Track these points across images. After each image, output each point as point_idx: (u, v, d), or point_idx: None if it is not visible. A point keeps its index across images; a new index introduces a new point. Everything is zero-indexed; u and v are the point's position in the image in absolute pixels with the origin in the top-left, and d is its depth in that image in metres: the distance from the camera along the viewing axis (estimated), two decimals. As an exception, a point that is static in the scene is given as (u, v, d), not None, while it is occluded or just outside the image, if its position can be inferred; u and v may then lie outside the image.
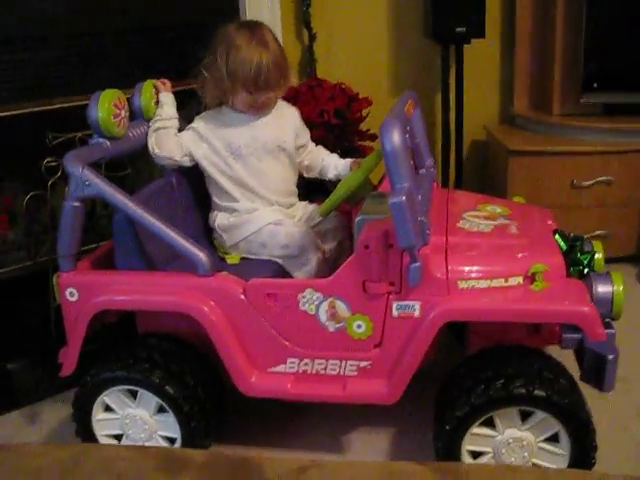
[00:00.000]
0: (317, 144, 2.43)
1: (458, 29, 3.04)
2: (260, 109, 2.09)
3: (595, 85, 3.07)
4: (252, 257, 2.10)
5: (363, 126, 2.92)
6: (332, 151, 2.48)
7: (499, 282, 1.70)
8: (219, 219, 2.13)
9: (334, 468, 1.42)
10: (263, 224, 2.06)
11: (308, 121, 2.69)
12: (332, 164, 2.27)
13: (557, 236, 1.90)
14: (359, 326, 1.76)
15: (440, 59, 3.25)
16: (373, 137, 2.90)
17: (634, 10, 3.05)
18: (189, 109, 2.79)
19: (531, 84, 3.34)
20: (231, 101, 2.08)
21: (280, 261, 2.07)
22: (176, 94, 2.33)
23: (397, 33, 3.39)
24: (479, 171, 3.54)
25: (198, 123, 2.11)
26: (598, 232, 2.99)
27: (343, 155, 2.39)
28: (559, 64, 3.18)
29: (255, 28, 2.05)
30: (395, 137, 1.55)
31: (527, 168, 2.99)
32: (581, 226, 2.94)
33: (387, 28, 3.38)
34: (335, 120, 2.76)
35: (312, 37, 3.24)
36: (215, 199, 2.15)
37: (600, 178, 2.95)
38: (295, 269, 2.05)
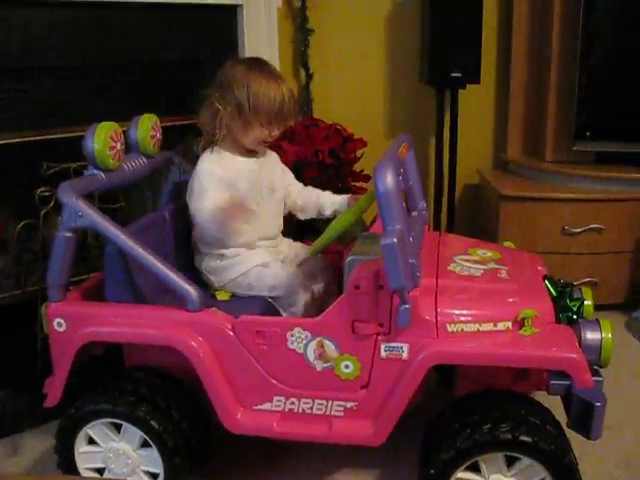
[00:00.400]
0: (311, 184, 2.44)
1: (453, 74, 3.07)
2: (266, 144, 2.10)
3: (587, 134, 3.11)
4: (246, 295, 2.10)
5: (357, 167, 2.94)
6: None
7: (488, 326, 1.70)
8: (205, 262, 2.11)
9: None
10: (250, 266, 2.06)
11: (303, 160, 2.72)
12: (329, 201, 2.27)
13: (547, 282, 1.90)
14: (347, 366, 1.76)
15: (435, 103, 3.29)
16: (366, 178, 2.92)
17: (627, 61, 3.10)
18: (185, 144, 2.81)
19: (524, 130, 3.39)
20: (239, 138, 2.06)
21: (278, 300, 2.07)
22: (173, 129, 2.35)
23: (393, 76, 3.43)
24: (471, 215, 3.56)
25: (216, 168, 2.04)
26: (588, 279, 3.00)
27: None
28: (552, 112, 3.22)
29: (266, 63, 2.08)
30: (388, 179, 1.56)
31: (519, 213, 3.02)
32: (571, 273, 2.96)
33: (383, 70, 3.43)
34: (329, 160, 2.78)
35: (309, 77, 3.28)
36: (201, 244, 2.13)
37: (591, 226, 2.97)
38: (283, 309, 2.05)
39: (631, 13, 3.07)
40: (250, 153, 2.11)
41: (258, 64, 2.07)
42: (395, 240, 1.54)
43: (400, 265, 1.55)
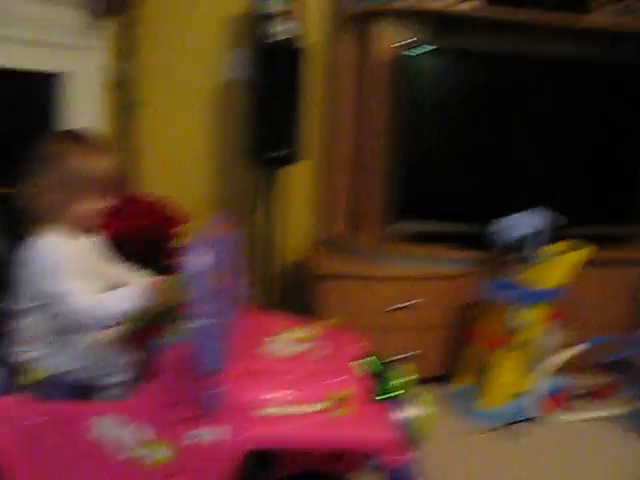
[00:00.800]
0: (133, 260, 2.37)
1: (275, 152, 3.12)
2: (92, 221, 2.03)
3: (406, 214, 3.23)
4: (58, 380, 1.99)
5: (179, 244, 2.90)
6: (149, 267, 2.44)
7: (302, 408, 1.69)
8: (27, 350, 1.98)
9: None
10: (76, 351, 1.95)
11: (125, 236, 2.64)
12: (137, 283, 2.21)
13: (366, 360, 1.92)
14: (157, 452, 1.69)
15: (258, 181, 3.31)
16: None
17: (443, 145, 3.29)
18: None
19: (347, 209, 3.47)
20: (62, 214, 1.96)
21: (90, 383, 1.97)
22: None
23: (218, 152, 3.45)
24: (297, 293, 3.57)
25: (61, 251, 1.93)
26: (409, 354, 3.08)
27: (159, 272, 2.34)
28: (374, 191, 3.33)
29: (87, 134, 2.01)
30: (198, 260, 1.54)
31: (341, 291, 3.06)
32: (392, 348, 3.02)
33: (209, 147, 3.44)
34: (151, 236, 2.72)
35: (133, 151, 3.23)
36: (22, 328, 1.98)
37: (410, 302, 3.06)
38: (96, 392, 1.96)
39: (449, 98, 3.27)
40: (77, 231, 2.02)
41: (79, 136, 2.00)
42: (205, 322, 1.51)
43: (210, 348, 1.53)
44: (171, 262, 2.85)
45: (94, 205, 1.98)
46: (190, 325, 1.54)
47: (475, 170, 3.35)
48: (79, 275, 1.94)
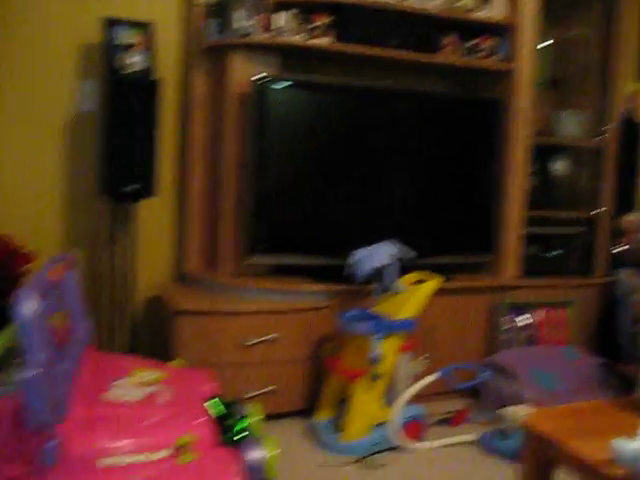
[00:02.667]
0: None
1: (129, 187, 3.04)
2: None
3: (263, 246, 3.22)
4: None
5: (24, 283, 2.77)
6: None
7: (145, 457, 1.63)
8: None
9: None
10: None
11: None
12: None
13: (213, 401, 1.88)
14: (-9, 515, 1.59)
15: (110, 216, 3.22)
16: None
17: (299, 178, 3.30)
18: None
19: (202, 243, 3.42)
20: None
21: None
22: None
23: (70, 187, 3.33)
24: (152, 331, 3.47)
25: None
26: (266, 389, 3.04)
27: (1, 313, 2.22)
28: (228, 225, 3.29)
29: None
30: (26, 308, 1.46)
31: (196, 328, 3.00)
32: (249, 384, 3.00)
33: (61, 181, 3.31)
34: (-4, 274, 2.60)
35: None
36: None
37: (267, 336, 3.04)
38: None
39: (302, 131, 3.29)
40: None
41: None
42: (35, 372, 1.43)
43: (41, 399, 1.45)
44: (11, 304, 2.73)
45: None
46: (19, 376, 1.45)
47: (329, 203, 3.37)
48: None
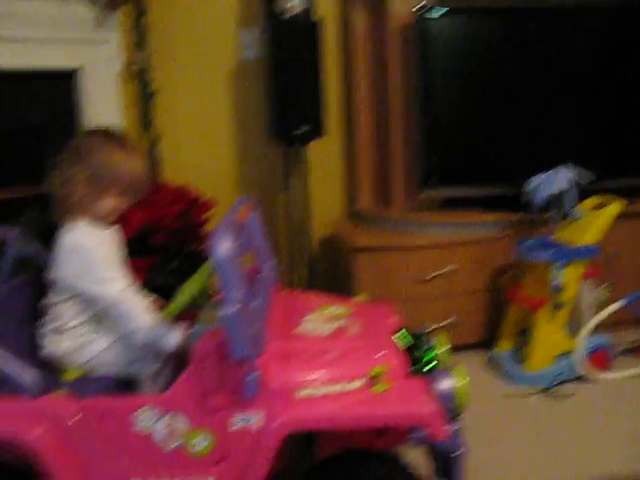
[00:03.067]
0: (159, 250, 2.36)
1: (299, 129, 3.08)
2: (116, 217, 2.03)
3: (433, 180, 3.19)
4: (95, 374, 1.99)
5: (206, 230, 2.88)
6: (175, 257, 2.43)
7: (339, 387, 1.66)
8: (64, 343, 1.98)
9: None
10: (114, 339, 1.96)
11: (149, 227, 2.64)
12: None
13: (401, 333, 1.90)
14: (199, 442, 1.68)
15: (283, 159, 3.29)
16: (215, 241, 2.86)
17: (468, 107, 3.23)
18: (25, 218, 2.69)
19: (373, 180, 3.43)
20: (92, 209, 1.96)
21: (129, 373, 1.98)
22: (9, 202, 2.23)
23: (241, 134, 3.43)
24: (329, 269, 3.55)
25: (98, 241, 1.95)
26: (446, 322, 3.05)
27: (187, 260, 2.34)
28: (398, 160, 3.28)
29: (120, 135, 2.02)
30: (223, 247, 1.52)
31: (372, 264, 3.04)
32: (429, 318, 3.00)
33: (231, 129, 3.42)
34: (177, 224, 2.71)
35: (155, 139, 3.21)
36: (62, 321, 1.98)
37: (444, 269, 3.03)
38: (146, 384, 1.96)
39: (468, 60, 3.20)
40: (102, 223, 2.02)
41: (115, 135, 2.01)
42: (235, 309, 1.50)
43: (242, 334, 1.51)
44: (197, 250, 2.86)
45: (119, 204, 1.98)
46: (220, 312, 1.52)
47: (500, 130, 3.28)
48: (113, 265, 1.95)
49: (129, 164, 1.96)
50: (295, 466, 1.92)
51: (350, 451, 1.77)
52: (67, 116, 2.96)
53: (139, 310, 1.89)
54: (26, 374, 1.69)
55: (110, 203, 1.97)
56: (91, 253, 1.91)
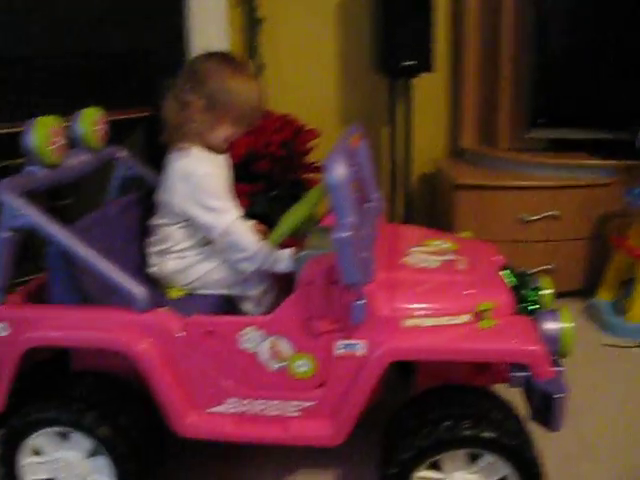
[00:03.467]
0: (262, 177, 2.36)
1: (406, 62, 3.02)
2: (228, 144, 2.03)
3: (542, 121, 3.09)
4: (200, 293, 2.03)
5: (309, 159, 2.88)
6: (278, 184, 2.43)
7: (446, 320, 1.65)
8: (170, 264, 2.02)
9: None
10: (222, 259, 1.99)
11: (253, 153, 2.65)
12: None
13: (505, 272, 1.87)
14: (302, 365, 1.70)
15: (388, 92, 3.23)
16: (319, 170, 2.86)
17: (580, 47, 3.09)
18: (134, 138, 2.73)
19: (478, 118, 3.35)
20: (206, 135, 1.96)
21: (234, 294, 2.01)
22: (121, 122, 2.26)
23: (346, 65, 3.38)
24: (427, 206, 3.53)
25: (212, 169, 1.96)
26: (545, 267, 2.98)
27: (290, 188, 2.34)
28: (506, 99, 3.19)
29: (238, 60, 1.99)
30: (338, 171, 1.50)
31: (474, 203, 2.99)
32: (528, 261, 2.94)
33: (336, 60, 3.38)
34: (281, 152, 2.71)
35: (260, 67, 3.20)
36: (168, 244, 2.03)
37: (547, 213, 2.96)
38: (251, 303, 1.99)
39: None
40: (215, 150, 2.03)
41: (233, 60, 1.98)
42: (348, 234, 1.49)
43: (353, 259, 1.50)
44: (300, 178, 2.86)
45: (234, 132, 1.98)
46: (333, 237, 1.52)
47: (615, 72, 3.13)
48: (225, 194, 1.96)
49: (247, 91, 1.93)
50: (390, 398, 1.92)
51: (449, 385, 1.76)
52: (176, 39, 2.96)
53: (248, 240, 1.90)
54: (136, 288, 1.73)
55: (225, 131, 1.97)
56: (203, 181, 1.92)
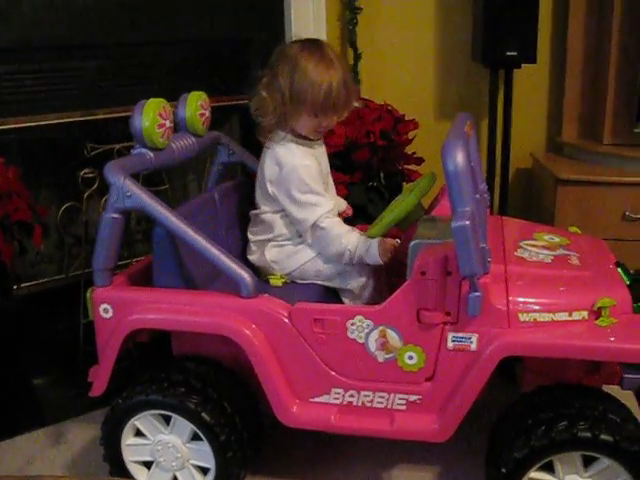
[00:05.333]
0: (362, 166, 2.32)
1: (509, 53, 2.94)
2: (321, 133, 2.00)
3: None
4: (301, 282, 2.00)
5: (408, 149, 2.82)
6: (377, 174, 2.39)
7: (563, 316, 1.58)
8: (270, 252, 2.01)
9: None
10: (318, 252, 1.96)
11: (353, 142, 2.61)
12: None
13: (619, 269, 1.79)
14: (411, 357, 1.65)
15: (488, 83, 3.15)
16: (419, 161, 2.80)
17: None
18: (230, 126, 2.72)
19: (581, 112, 3.24)
20: (291, 125, 1.94)
21: (333, 286, 1.99)
22: (219, 109, 2.25)
23: (445, 55, 3.31)
24: (524, 200, 3.43)
25: (308, 161, 1.93)
26: (648, 267, 2.87)
27: (388, 178, 2.30)
28: (612, 92, 3.07)
29: (320, 47, 1.93)
30: (459, 158, 1.45)
31: (577, 198, 2.89)
32: (632, 261, 2.80)
33: (434, 49, 3.31)
34: (381, 142, 2.66)
35: (357, 56, 3.16)
36: (268, 233, 2.01)
37: (654, 211, 2.84)
38: (345, 296, 1.96)
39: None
40: (309, 140, 2.00)
41: (312, 47, 1.92)
42: (467, 222, 1.43)
43: (472, 249, 1.45)
44: (399, 168, 2.81)
45: (319, 121, 1.93)
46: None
47: None
48: (318, 185, 1.92)
49: (319, 80, 1.86)
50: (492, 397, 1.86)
51: (563, 384, 1.70)
52: (273, 29, 2.95)
53: (340, 233, 1.87)
54: (244, 272, 1.71)
55: (308, 121, 1.92)
56: (294, 173, 1.89)
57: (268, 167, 1.95)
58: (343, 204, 2.18)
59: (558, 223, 2.85)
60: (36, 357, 2.32)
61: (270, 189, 1.95)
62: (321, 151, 2.05)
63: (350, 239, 1.87)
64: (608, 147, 3.08)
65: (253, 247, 2.06)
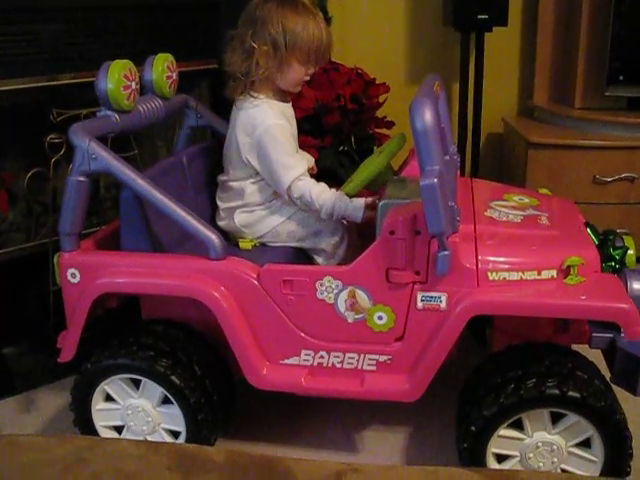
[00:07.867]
0: (332, 130, 2.30)
1: (480, 16, 2.93)
2: (300, 87, 1.99)
3: (620, 78, 2.97)
4: (272, 245, 1.99)
5: (379, 113, 2.81)
6: (347, 138, 2.38)
7: (532, 275, 1.59)
8: (239, 217, 1.99)
9: (374, 473, 1.30)
10: (292, 212, 1.95)
11: (324, 106, 2.59)
12: None
13: (588, 229, 1.80)
14: (380, 317, 1.65)
15: (459, 47, 3.14)
16: (389, 124, 2.79)
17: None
18: (200, 91, 2.69)
19: (552, 76, 3.24)
20: (278, 77, 1.91)
21: (307, 247, 1.98)
22: (188, 74, 2.22)
23: (415, 18, 3.29)
24: (495, 163, 3.44)
25: (281, 121, 1.91)
26: (619, 230, 2.87)
27: (359, 142, 2.28)
28: (583, 56, 3.07)
29: (301, 1, 1.92)
30: (427, 116, 1.44)
31: (547, 162, 2.89)
32: (601, 223, 2.82)
33: (405, 13, 3.29)
34: (351, 105, 2.64)
35: (327, 20, 3.13)
36: (237, 200, 1.99)
37: (623, 174, 2.85)
38: (323, 255, 1.96)
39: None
40: (284, 97, 1.98)
41: (291, 0, 1.91)
42: (435, 180, 1.42)
43: (440, 208, 1.44)
44: (369, 132, 2.80)
45: (302, 73, 1.92)
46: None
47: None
48: (292, 146, 1.91)
49: (312, 29, 1.87)
50: (466, 358, 1.87)
51: (532, 343, 1.70)
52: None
53: (316, 193, 1.86)
54: (212, 235, 1.70)
55: (294, 72, 1.91)
56: (270, 133, 1.87)
57: (240, 129, 1.92)
58: (311, 160, 2.16)
59: (529, 187, 2.85)
60: (5, 325, 2.29)
61: (243, 154, 1.92)
62: (291, 113, 2.03)
63: (328, 196, 1.86)
64: (579, 111, 3.09)
65: (222, 214, 2.04)
